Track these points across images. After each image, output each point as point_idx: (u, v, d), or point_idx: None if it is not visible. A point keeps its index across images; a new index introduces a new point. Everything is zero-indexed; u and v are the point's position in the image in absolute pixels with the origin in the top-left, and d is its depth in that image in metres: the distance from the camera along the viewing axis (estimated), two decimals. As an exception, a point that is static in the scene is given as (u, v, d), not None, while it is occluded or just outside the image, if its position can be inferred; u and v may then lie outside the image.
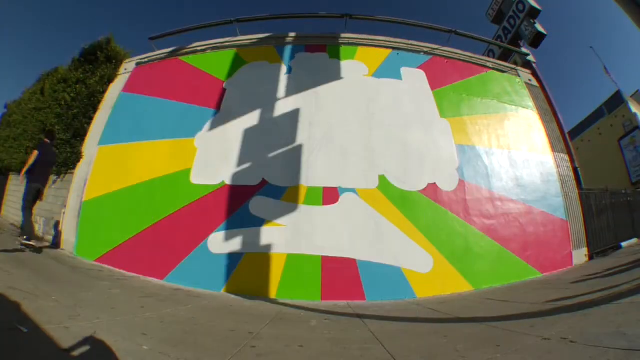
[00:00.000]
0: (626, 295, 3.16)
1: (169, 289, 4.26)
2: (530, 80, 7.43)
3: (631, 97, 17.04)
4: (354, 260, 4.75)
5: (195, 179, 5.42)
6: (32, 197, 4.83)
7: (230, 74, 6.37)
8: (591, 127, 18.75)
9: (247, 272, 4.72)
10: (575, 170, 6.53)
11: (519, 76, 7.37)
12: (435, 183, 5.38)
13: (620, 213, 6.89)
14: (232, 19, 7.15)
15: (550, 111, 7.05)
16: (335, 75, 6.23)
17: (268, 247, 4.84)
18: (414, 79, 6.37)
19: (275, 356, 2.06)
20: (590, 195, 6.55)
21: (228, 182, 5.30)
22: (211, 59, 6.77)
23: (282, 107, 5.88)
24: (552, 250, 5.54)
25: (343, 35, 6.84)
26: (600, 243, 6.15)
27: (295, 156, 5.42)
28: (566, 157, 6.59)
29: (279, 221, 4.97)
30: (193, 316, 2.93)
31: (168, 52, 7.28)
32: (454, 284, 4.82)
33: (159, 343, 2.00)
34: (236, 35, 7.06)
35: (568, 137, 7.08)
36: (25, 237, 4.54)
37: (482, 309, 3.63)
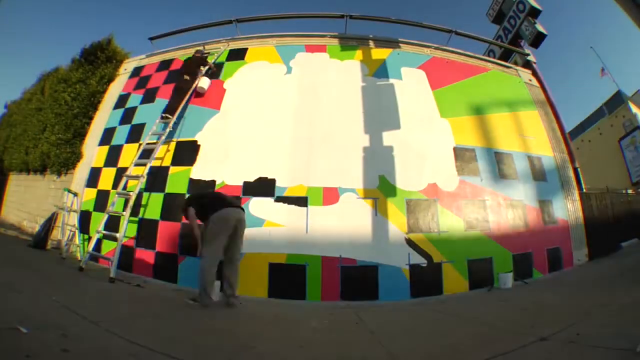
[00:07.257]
0: (626, 295, 3.16)
1: (168, 290, 4.27)
2: (530, 80, 7.41)
3: (631, 97, 17.03)
4: (354, 261, 4.74)
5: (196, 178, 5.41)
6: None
7: (230, 74, 6.36)
8: (591, 127, 18.75)
9: (247, 272, 4.71)
10: (575, 170, 6.52)
11: (519, 76, 7.37)
12: (435, 183, 5.37)
13: (620, 213, 6.89)
14: (232, 19, 7.14)
15: (550, 111, 7.03)
16: (336, 75, 6.21)
17: (268, 247, 4.83)
18: (414, 79, 6.35)
19: (275, 357, 2.06)
20: (591, 195, 6.54)
21: (228, 182, 5.30)
22: (211, 58, 6.75)
23: (282, 107, 5.86)
24: (553, 250, 5.53)
25: (343, 35, 6.83)
26: (600, 243, 6.15)
27: (295, 156, 5.40)
28: (566, 157, 6.58)
29: (279, 221, 4.97)
30: (193, 316, 2.93)
31: (168, 52, 7.27)
32: (454, 284, 4.81)
33: (160, 343, 1.99)
34: (236, 35, 7.06)
35: (568, 137, 7.07)
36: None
37: (482, 309, 3.63)
